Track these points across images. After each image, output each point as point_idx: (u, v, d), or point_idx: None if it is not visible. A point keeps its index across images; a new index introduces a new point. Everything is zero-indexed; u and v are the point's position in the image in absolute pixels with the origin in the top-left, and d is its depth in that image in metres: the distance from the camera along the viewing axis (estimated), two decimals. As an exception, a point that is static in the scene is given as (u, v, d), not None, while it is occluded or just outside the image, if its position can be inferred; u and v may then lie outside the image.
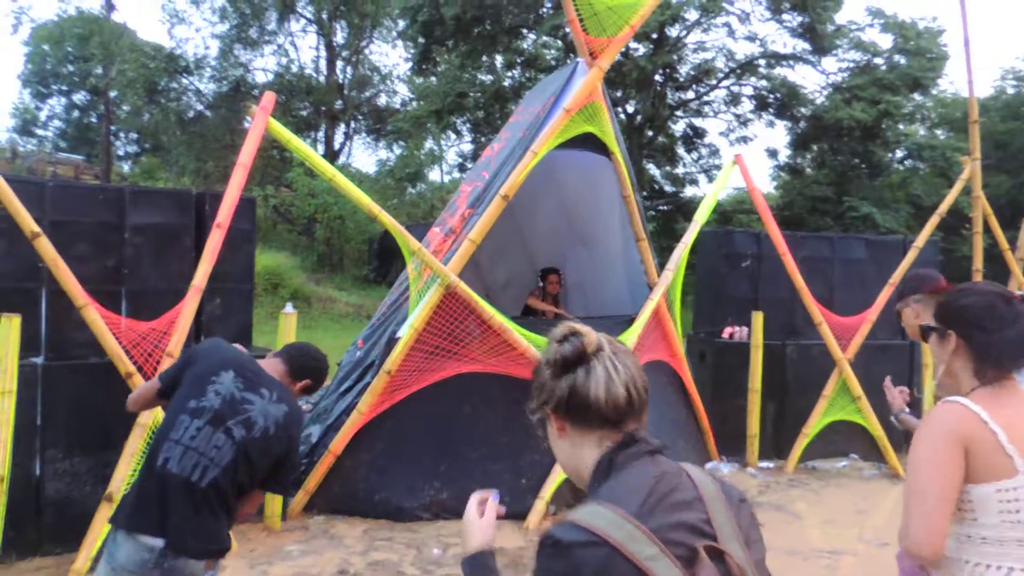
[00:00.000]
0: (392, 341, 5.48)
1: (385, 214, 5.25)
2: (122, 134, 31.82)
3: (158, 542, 2.34)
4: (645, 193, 23.94)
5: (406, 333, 5.31)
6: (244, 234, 5.10)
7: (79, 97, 33.19)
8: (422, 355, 5.32)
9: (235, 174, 4.77)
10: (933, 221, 7.49)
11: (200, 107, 25.74)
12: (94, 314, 4.26)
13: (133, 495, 2.45)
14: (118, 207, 4.69)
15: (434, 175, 28.97)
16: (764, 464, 7.28)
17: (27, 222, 4.11)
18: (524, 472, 5.45)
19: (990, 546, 1.74)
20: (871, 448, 7.47)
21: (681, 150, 24.45)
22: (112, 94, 25.65)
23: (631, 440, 1.27)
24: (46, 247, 4.12)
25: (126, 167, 32.02)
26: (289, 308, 5.13)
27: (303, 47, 47.40)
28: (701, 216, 6.92)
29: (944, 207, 7.51)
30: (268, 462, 2.55)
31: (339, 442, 5.26)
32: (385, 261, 20.46)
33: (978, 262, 7.50)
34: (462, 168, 24.65)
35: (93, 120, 32.02)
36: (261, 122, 4.85)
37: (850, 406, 7.33)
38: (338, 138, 27.82)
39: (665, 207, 24.05)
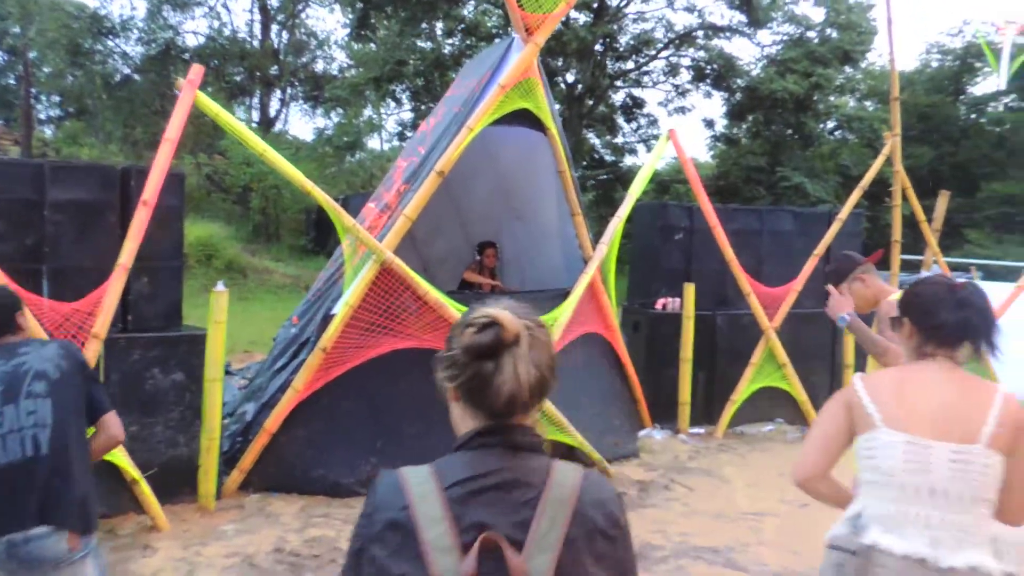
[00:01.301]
0: (327, 318, 5.45)
1: (318, 190, 5.20)
2: (44, 97, 30.27)
3: (9, 536, 2.31)
4: (585, 163, 24.08)
5: (341, 310, 5.29)
6: (172, 210, 4.98)
7: (-5, 58, 31.51)
8: (358, 332, 5.31)
9: (162, 149, 4.65)
10: (856, 194, 7.77)
11: (127, 70, 24.72)
12: (14, 295, 4.13)
13: None
14: (38, 183, 4.53)
15: (374, 143, 28.56)
16: (695, 430, 7.53)
17: (-62, 200, 3.95)
18: (460, 444, 5.54)
19: (859, 486, 2.14)
20: (795, 413, 7.81)
21: (621, 120, 24.63)
22: (32, 55, 24.41)
23: (495, 429, 1.27)
24: (-40, 226, 3.98)
25: (48, 132, 30.57)
26: (220, 286, 5.05)
27: (236, 10, 45.82)
28: (636, 190, 7.03)
29: (866, 180, 7.79)
30: (79, 389, 2.57)
31: (274, 420, 5.24)
32: (323, 231, 20.15)
33: (897, 233, 7.82)
34: (402, 137, 24.33)
35: (12, 82, 30.45)
36: (189, 96, 4.73)
37: (776, 373, 7.63)
38: (274, 105, 27.14)
39: (605, 176, 24.24)
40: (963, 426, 1.99)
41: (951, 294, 2.13)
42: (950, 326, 2.09)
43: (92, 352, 4.32)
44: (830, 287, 3.52)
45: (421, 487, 1.22)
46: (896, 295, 3.35)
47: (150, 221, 4.56)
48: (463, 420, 1.33)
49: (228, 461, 5.42)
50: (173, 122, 4.66)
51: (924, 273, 8.39)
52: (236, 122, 4.96)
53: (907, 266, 11.39)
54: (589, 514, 1.24)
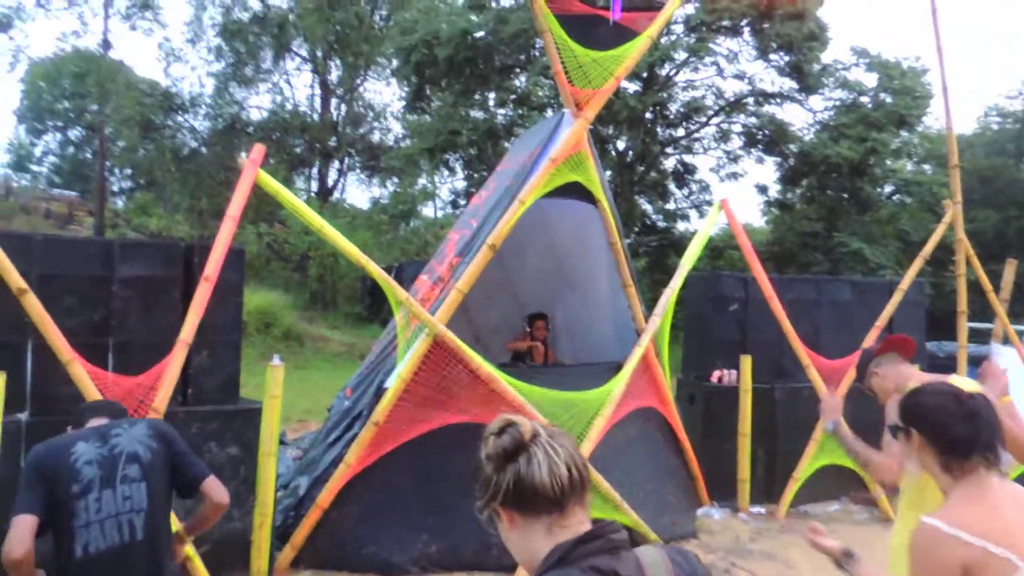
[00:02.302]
0: (380, 391, 5.47)
1: (372, 264, 5.29)
2: (117, 170, 31.92)
3: None
4: (637, 229, 24.09)
5: (394, 383, 5.30)
6: (232, 285, 5.10)
7: (74, 133, 33.42)
8: (410, 405, 5.31)
9: (224, 226, 4.81)
10: (917, 263, 7.57)
11: (195, 144, 25.92)
12: (80, 370, 4.26)
13: None
14: (107, 260, 4.70)
15: (428, 211, 29.17)
16: (755, 509, 7.24)
17: (14, 278, 4.12)
18: (513, 522, 5.42)
19: None
20: (862, 490, 7.46)
21: (672, 186, 24.66)
22: (107, 131, 25.82)
23: (591, 536, 1.28)
24: (33, 304, 4.13)
25: (120, 203, 32.12)
26: (276, 360, 5.13)
27: (298, 85, 47.76)
28: (688, 260, 6.97)
29: (928, 249, 7.59)
30: (169, 468, 2.61)
31: (327, 495, 5.23)
32: (377, 299, 20.44)
33: (962, 304, 7.56)
34: (455, 204, 24.78)
35: (88, 156, 32.21)
36: (250, 174, 4.90)
37: (840, 449, 7.30)
38: (332, 175, 28.02)
39: (657, 243, 24.18)
40: None
41: (960, 406, 2.01)
42: (964, 440, 1.98)
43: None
44: (823, 395, 3.46)
45: None
46: (913, 383, 3.17)
47: (211, 296, 4.68)
48: (528, 538, 1.33)
49: (281, 536, 5.40)
50: (235, 200, 4.82)
51: (994, 345, 8.06)
52: (295, 199, 5.11)
53: (976, 334, 11.00)
54: None
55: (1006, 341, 8.13)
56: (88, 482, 2.45)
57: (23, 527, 2.35)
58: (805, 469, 7.22)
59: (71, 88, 30.29)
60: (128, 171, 31.96)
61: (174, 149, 24.82)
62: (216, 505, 2.69)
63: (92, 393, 4.30)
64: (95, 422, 2.69)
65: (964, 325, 7.77)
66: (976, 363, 8.69)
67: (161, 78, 26.05)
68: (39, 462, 2.51)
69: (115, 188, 32.78)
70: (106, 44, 25.91)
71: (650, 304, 7.09)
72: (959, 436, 1.98)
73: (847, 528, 6.93)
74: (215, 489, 2.69)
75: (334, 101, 27.70)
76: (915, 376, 3.27)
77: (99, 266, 4.69)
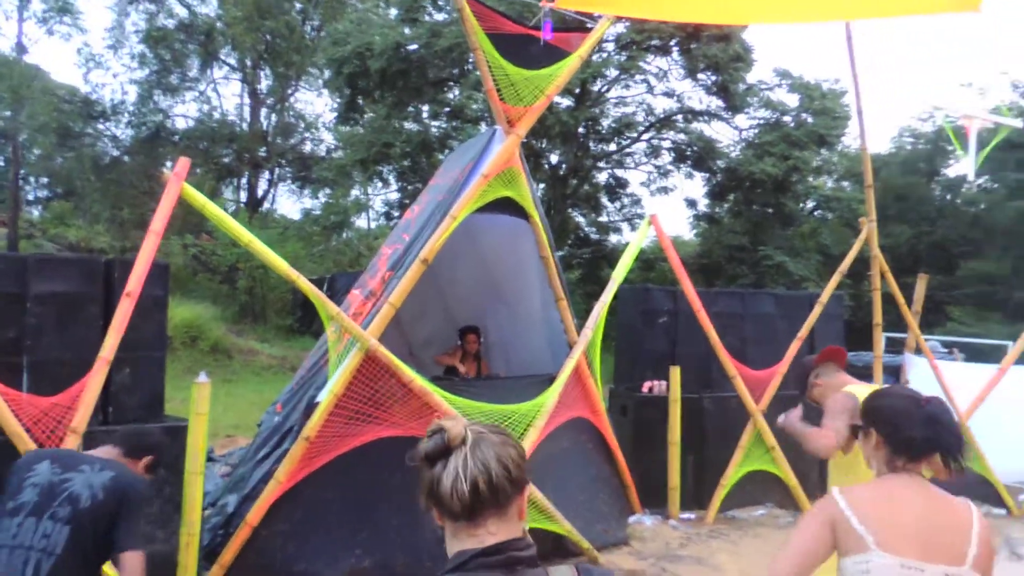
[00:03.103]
0: (311, 406, 5.39)
1: (303, 279, 5.23)
2: (32, 179, 30.65)
3: None
4: (570, 241, 24.38)
5: (325, 398, 5.24)
6: (155, 300, 4.97)
7: (-15, 140, 31.87)
8: (342, 420, 5.25)
9: (147, 240, 4.68)
10: (835, 278, 7.89)
11: (116, 152, 25.06)
12: (-8, 389, 4.08)
13: None
14: (20, 276, 4.53)
15: (361, 222, 28.88)
16: (685, 515, 7.40)
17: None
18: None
19: None
20: (786, 496, 7.70)
21: (605, 199, 25.05)
22: (21, 138, 24.76)
23: (492, 551, 1.32)
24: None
25: (36, 212, 30.78)
26: (203, 377, 5.01)
27: (226, 94, 46.80)
28: (619, 275, 7.11)
29: (845, 265, 7.93)
30: (108, 526, 2.49)
31: (256, 512, 5.11)
32: (309, 311, 20.09)
33: (877, 316, 7.92)
34: (388, 217, 24.61)
35: (0, 164, 30.79)
36: (175, 188, 4.79)
37: (765, 456, 7.57)
38: (262, 185, 27.49)
39: (590, 255, 24.50)
40: (950, 547, 2.00)
41: (919, 409, 2.14)
42: (920, 442, 2.10)
43: (70, 447, 4.23)
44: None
45: None
46: (851, 388, 3.37)
47: (133, 312, 4.55)
48: (451, 539, 1.37)
49: (208, 555, 5.26)
50: (159, 214, 4.70)
51: (907, 355, 8.46)
52: (222, 213, 5.02)
53: (893, 344, 11.50)
54: None
55: (918, 351, 8.54)
56: (21, 504, 2.39)
57: None
58: (732, 476, 7.42)
59: (-18, 92, 28.94)
60: (44, 180, 30.70)
61: (94, 157, 23.94)
62: None
63: (4, 414, 4.12)
64: (99, 452, 2.67)
65: (880, 336, 8.14)
66: (892, 372, 9.14)
67: (81, 84, 25.11)
68: (15, 465, 2.54)
69: (30, 197, 31.42)
70: (21, 48, 24.90)
71: (583, 315, 7.20)
72: (916, 438, 2.10)
73: (772, 532, 7.15)
74: (132, 567, 2.53)
75: (264, 111, 27.22)
76: (851, 383, 3.44)
77: (12, 283, 4.50)
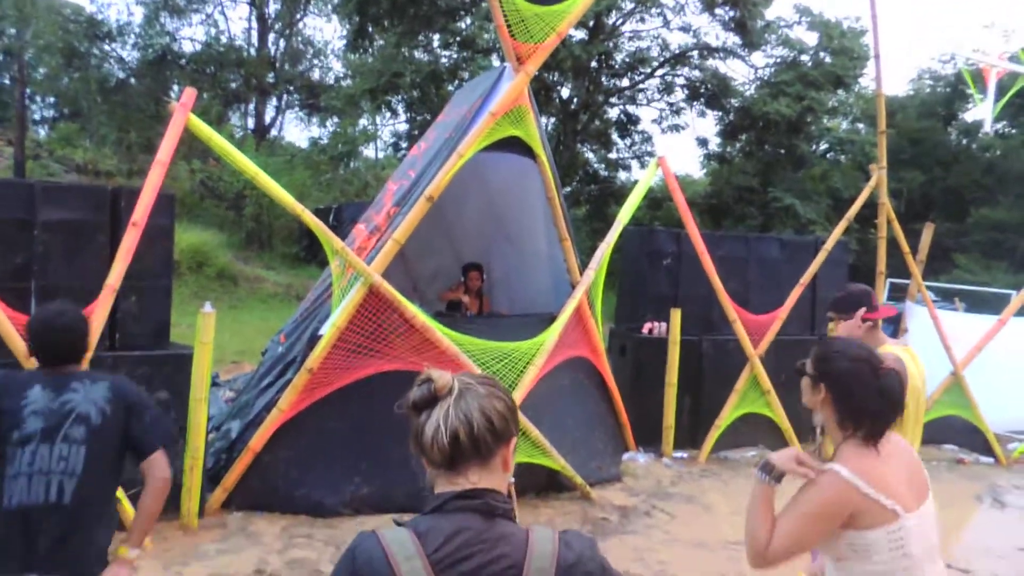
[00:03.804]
0: (314, 338, 5.49)
1: (308, 213, 5.25)
2: (38, 98, 30.33)
3: None
4: (579, 177, 24.19)
5: (328, 331, 5.33)
6: (162, 230, 5.01)
7: (-9, 57, 31.45)
8: (344, 353, 5.35)
9: (152, 171, 4.69)
10: (842, 225, 7.87)
11: (123, 74, 24.71)
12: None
13: None
14: (28, 203, 4.56)
15: (369, 152, 28.64)
16: (679, 454, 7.57)
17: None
18: (444, 468, 5.56)
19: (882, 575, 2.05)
20: (779, 439, 7.84)
21: (615, 136, 24.76)
22: (27, 56, 24.43)
23: (469, 494, 1.36)
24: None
25: (42, 132, 30.57)
26: (208, 307, 5.08)
27: (233, 18, 45.77)
28: (624, 216, 7.09)
29: (852, 212, 7.90)
30: (121, 436, 2.53)
31: (259, 439, 5.27)
32: (315, 239, 20.07)
33: (881, 264, 7.92)
34: (396, 147, 24.43)
35: (6, 83, 30.45)
36: (181, 119, 4.77)
37: (760, 399, 7.69)
38: (269, 112, 27.18)
39: (598, 192, 24.35)
40: (922, 484, 2.14)
41: (875, 379, 2.09)
42: (870, 414, 2.07)
43: (78, 372, 4.34)
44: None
45: (407, 559, 1.28)
46: (890, 348, 3.31)
47: (140, 241, 4.60)
48: (434, 481, 1.41)
49: (212, 478, 5.44)
50: (164, 145, 4.70)
51: (908, 303, 8.49)
52: (228, 145, 5.01)
53: (899, 289, 11.53)
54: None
55: (921, 300, 8.57)
56: (29, 433, 2.40)
57: None
58: (727, 417, 7.56)
59: (-13, 9, 28.43)
60: (51, 100, 30.38)
61: (100, 79, 23.60)
62: (155, 483, 2.55)
63: (13, 337, 4.22)
64: (61, 369, 2.57)
65: (883, 284, 8.17)
66: (892, 320, 9.18)
67: (86, 3, 24.69)
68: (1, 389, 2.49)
69: (36, 116, 31.15)
70: (25, -37, 24.35)
71: (588, 252, 7.21)
72: (866, 408, 2.07)
73: (763, 474, 7.31)
74: (157, 465, 2.57)
75: (272, 36, 26.69)
76: (887, 342, 3.37)
77: (20, 209, 4.54)
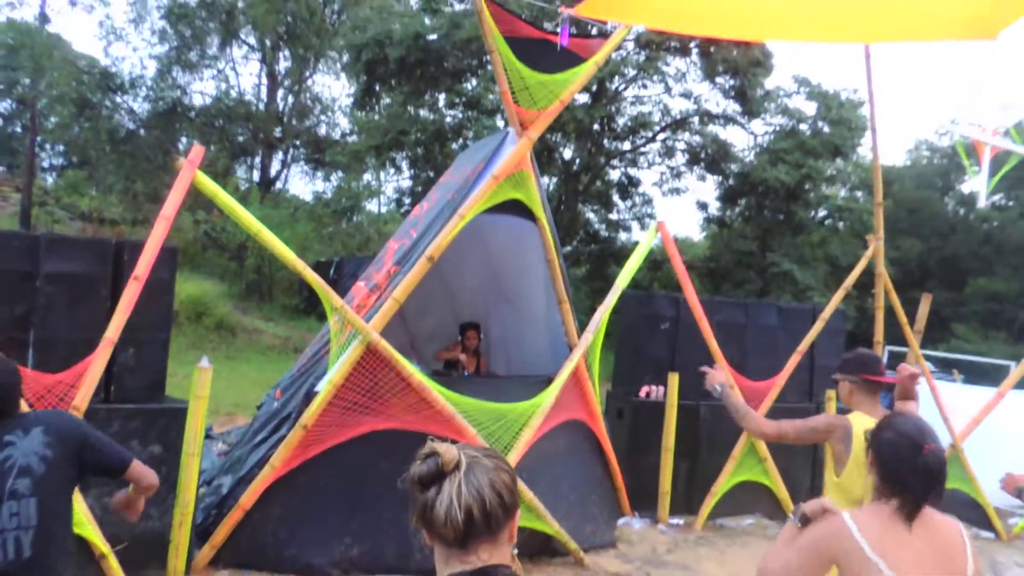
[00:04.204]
0: (310, 395, 5.48)
1: (309, 270, 5.30)
2: (48, 146, 30.80)
3: None
4: (579, 237, 24.38)
5: (325, 388, 5.32)
6: (163, 284, 5.04)
7: (4, 105, 32.04)
8: (340, 410, 5.33)
9: (157, 226, 4.75)
10: (839, 294, 7.92)
11: (132, 126, 25.16)
12: (-2, 364, 4.16)
13: None
14: (33, 254, 4.61)
15: (372, 206, 28.92)
16: (674, 520, 7.47)
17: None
18: (436, 531, 5.48)
19: None
20: (775, 508, 7.76)
21: (616, 197, 25.04)
22: (39, 105, 24.90)
23: (480, 574, 1.34)
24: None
25: (50, 180, 30.93)
26: (204, 362, 5.08)
27: (244, 73, 46.64)
28: (623, 280, 7.14)
29: (850, 281, 7.96)
30: (75, 474, 2.54)
31: (250, 496, 5.21)
32: (315, 292, 20.16)
33: (879, 334, 7.94)
34: (399, 203, 24.67)
35: (17, 130, 30.95)
36: (188, 175, 4.85)
37: (757, 467, 7.62)
38: (275, 165, 27.56)
39: (598, 252, 24.50)
40: (951, 569, 2.10)
41: (918, 457, 2.18)
42: (909, 487, 2.16)
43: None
44: (704, 369, 3.84)
45: None
46: (859, 416, 3.36)
47: (140, 294, 4.62)
48: (442, 564, 1.38)
49: (200, 534, 5.36)
50: (170, 200, 4.77)
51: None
52: (232, 202, 5.08)
53: (896, 357, 11.52)
54: None
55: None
56: None
57: None
58: (723, 484, 7.47)
59: (2, 60, 29.03)
60: (60, 148, 30.84)
61: (111, 129, 24.01)
62: (146, 488, 2.69)
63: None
64: None
65: (881, 353, 8.17)
66: (890, 388, 9.15)
67: (101, 57, 25.19)
68: None
69: (45, 164, 31.59)
70: (44, 18, 25.03)
71: (588, 312, 7.23)
72: (903, 483, 2.16)
73: (759, 541, 7.21)
74: (141, 473, 2.66)
75: (281, 91, 27.26)
76: (874, 412, 3.37)
77: (24, 260, 4.59)
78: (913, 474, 2.15)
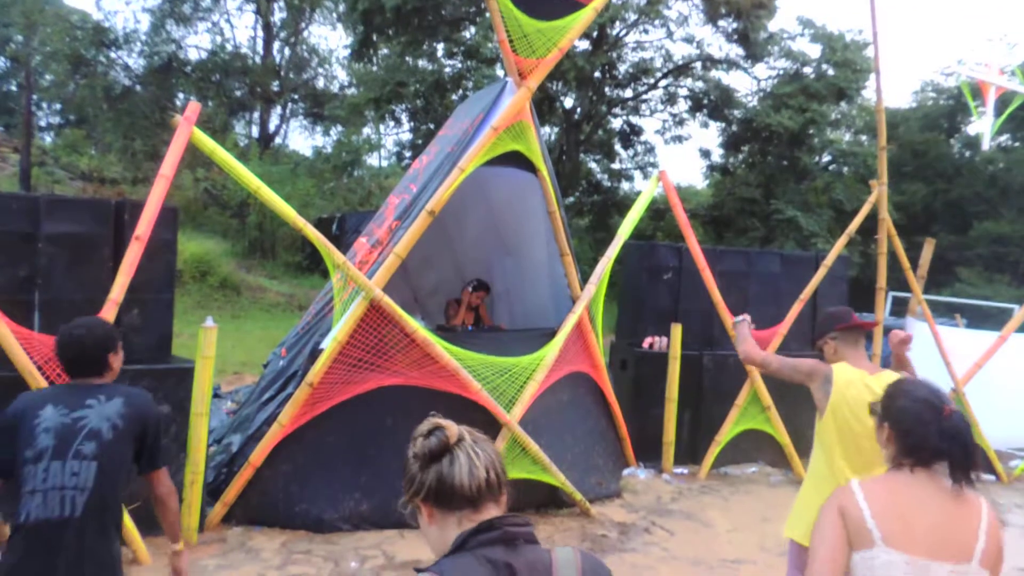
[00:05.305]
0: (315, 352, 5.50)
1: (310, 227, 5.27)
2: (44, 105, 30.49)
3: None
4: (582, 187, 24.22)
5: (329, 345, 5.34)
6: (165, 243, 5.03)
7: (-2, 64, 31.64)
8: (345, 367, 5.36)
9: (156, 184, 4.72)
10: (842, 240, 7.87)
11: (128, 82, 24.84)
12: (2, 327, 4.19)
13: (12, 557, 2.45)
14: (33, 216, 4.59)
15: (372, 161, 28.68)
16: (679, 470, 7.56)
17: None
18: (443, 483, 5.56)
19: None
20: (779, 455, 7.85)
21: (618, 146, 24.81)
22: (34, 62, 24.57)
23: (487, 527, 1.39)
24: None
25: (48, 139, 30.71)
26: (209, 321, 5.10)
27: (239, 26, 45.95)
28: (625, 231, 7.10)
29: (852, 228, 7.90)
30: (132, 448, 2.62)
31: (259, 454, 5.28)
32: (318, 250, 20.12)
33: (882, 280, 7.92)
34: (400, 156, 24.47)
35: (13, 89, 30.60)
36: (185, 132, 4.81)
37: (760, 415, 7.68)
38: (274, 120, 27.29)
39: (600, 202, 24.37)
40: (957, 544, 2.00)
41: (936, 419, 2.09)
42: (931, 452, 2.07)
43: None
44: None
45: None
46: (843, 366, 3.38)
47: (143, 254, 4.62)
48: (443, 532, 1.43)
49: (212, 492, 5.45)
50: (168, 159, 4.73)
51: (909, 319, 8.48)
52: (231, 159, 5.03)
53: (901, 303, 11.52)
54: None
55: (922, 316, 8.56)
56: (41, 450, 2.47)
57: None
58: (727, 433, 7.55)
59: (-7, 16, 28.59)
60: (57, 106, 30.54)
61: (106, 86, 23.73)
62: (156, 497, 2.76)
63: (16, 351, 4.24)
64: (82, 380, 2.67)
65: (882, 300, 8.16)
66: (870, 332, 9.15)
67: (93, 11, 24.82)
68: (8, 419, 2.59)
69: (43, 123, 31.31)
70: (33, -28, 24.48)
71: (591, 263, 7.20)
72: (928, 448, 2.07)
73: (763, 490, 7.31)
74: (159, 480, 2.75)
75: (277, 44, 26.85)
76: (860, 363, 3.45)
77: (24, 222, 4.57)
78: (936, 437, 2.06)
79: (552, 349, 6.11)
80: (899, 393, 2.22)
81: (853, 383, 3.32)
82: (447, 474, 1.41)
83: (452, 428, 1.45)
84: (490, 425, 5.71)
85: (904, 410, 2.16)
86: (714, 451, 7.52)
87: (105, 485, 2.50)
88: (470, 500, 1.40)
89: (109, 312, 4.51)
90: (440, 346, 5.51)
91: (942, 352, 8.04)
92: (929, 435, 2.07)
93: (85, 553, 2.44)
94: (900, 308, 11.16)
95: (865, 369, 3.42)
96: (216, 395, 8.22)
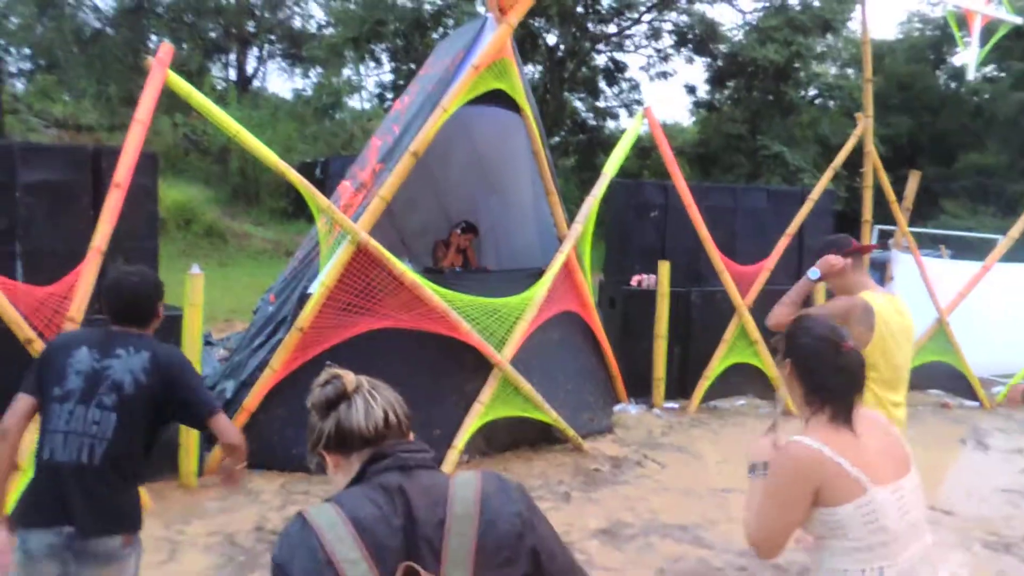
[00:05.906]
0: (304, 297, 5.49)
1: (292, 171, 5.20)
2: (12, 49, 29.58)
3: (65, 528, 2.39)
4: (567, 126, 23.96)
5: (317, 290, 5.33)
6: (145, 191, 4.96)
7: (-39, 8, 30.57)
8: (334, 311, 5.36)
9: (132, 130, 4.62)
10: (828, 174, 7.87)
11: (98, 24, 24.10)
12: (-14, 279, 4.14)
13: (29, 492, 2.50)
14: (7, 164, 4.50)
15: (354, 103, 28.17)
16: (669, 405, 7.69)
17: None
18: (436, 423, 5.63)
19: (861, 552, 2.00)
20: (767, 388, 7.98)
21: (603, 83, 24.47)
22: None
23: (380, 456, 1.38)
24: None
25: (19, 86, 29.89)
26: (195, 269, 5.06)
27: (211, -40, 44.24)
28: (611, 169, 7.05)
29: (838, 162, 7.89)
30: (159, 406, 2.58)
31: (253, 399, 5.30)
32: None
33: (867, 213, 7.95)
34: (382, 98, 24.04)
35: (-21, 34, 29.64)
36: (159, 75, 4.69)
37: (748, 349, 7.77)
38: (251, 63, 26.67)
39: (586, 141, 24.15)
40: (898, 458, 2.08)
41: (835, 354, 2.10)
42: (832, 390, 2.08)
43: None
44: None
45: (334, 531, 1.27)
46: (868, 294, 3.35)
47: (124, 202, 4.55)
48: (349, 477, 1.42)
49: (209, 437, 5.48)
50: (143, 103, 4.62)
51: (894, 251, 8.55)
52: (208, 102, 4.92)
53: (887, 236, 11.59)
54: (494, 520, 1.33)
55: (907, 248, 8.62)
56: (69, 391, 2.48)
57: (17, 405, 2.52)
58: (716, 368, 7.65)
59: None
60: (26, 51, 29.64)
61: (75, 29, 23.04)
62: (225, 445, 2.72)
63: (1, 302, 4.20)
64: (123, 328, 2.64)
65: (868, 232, 8.20)
66: (879, 267, 9.24)
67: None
68: (47, 352, 2.61)
69: (13, 69, 30.40)
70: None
71: (577, 203, 7.15)
72: (827, 385, 2.08)
73: (752, 421, 7.45)
74: (221, 429, 2.68)
75: (250, -18, 26.03)
76: (872, 287, 3.38)
77: (0, 172, 4.48)
78: (836, 375, 2.08)
79: (540, 289, 6.12)
80: (801, 331, 2.20)
81: (888, 310, 3.24)
82: (344, 419, 1.40)
83: (349, 376, 1.45)
84: (482, 365, 5.76)
85: (806, 348, 2.14)
86: (703, 385, 7.63)
87: (123, 438, 2.50)
88: (369, 441, 1.40)
89: (93, 262, 4.46)
90: (429, 288, 5.50)
91: (926, 282, 8.13)
92: (829, 372, 2.08)
93: (98, 499, 2.46)
94: (886, 240, 11.23)
95: (881, 292, 3.38)
96: (208, 342, 8.20)
